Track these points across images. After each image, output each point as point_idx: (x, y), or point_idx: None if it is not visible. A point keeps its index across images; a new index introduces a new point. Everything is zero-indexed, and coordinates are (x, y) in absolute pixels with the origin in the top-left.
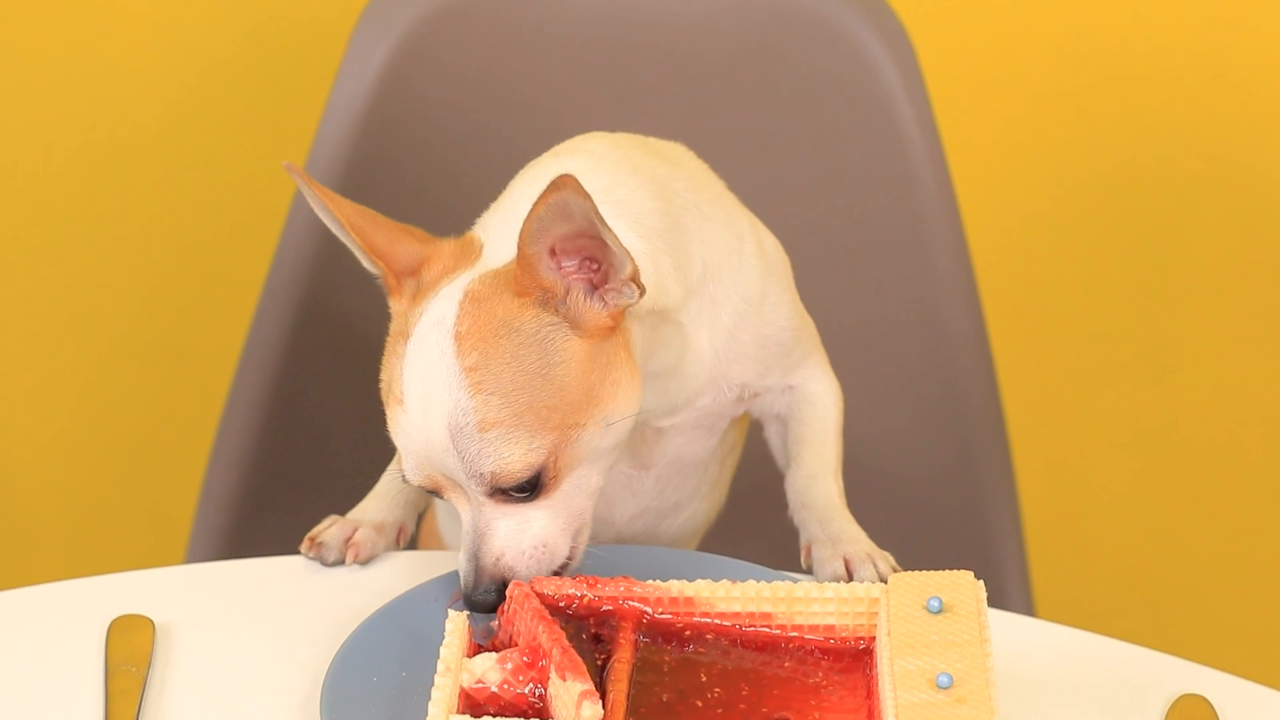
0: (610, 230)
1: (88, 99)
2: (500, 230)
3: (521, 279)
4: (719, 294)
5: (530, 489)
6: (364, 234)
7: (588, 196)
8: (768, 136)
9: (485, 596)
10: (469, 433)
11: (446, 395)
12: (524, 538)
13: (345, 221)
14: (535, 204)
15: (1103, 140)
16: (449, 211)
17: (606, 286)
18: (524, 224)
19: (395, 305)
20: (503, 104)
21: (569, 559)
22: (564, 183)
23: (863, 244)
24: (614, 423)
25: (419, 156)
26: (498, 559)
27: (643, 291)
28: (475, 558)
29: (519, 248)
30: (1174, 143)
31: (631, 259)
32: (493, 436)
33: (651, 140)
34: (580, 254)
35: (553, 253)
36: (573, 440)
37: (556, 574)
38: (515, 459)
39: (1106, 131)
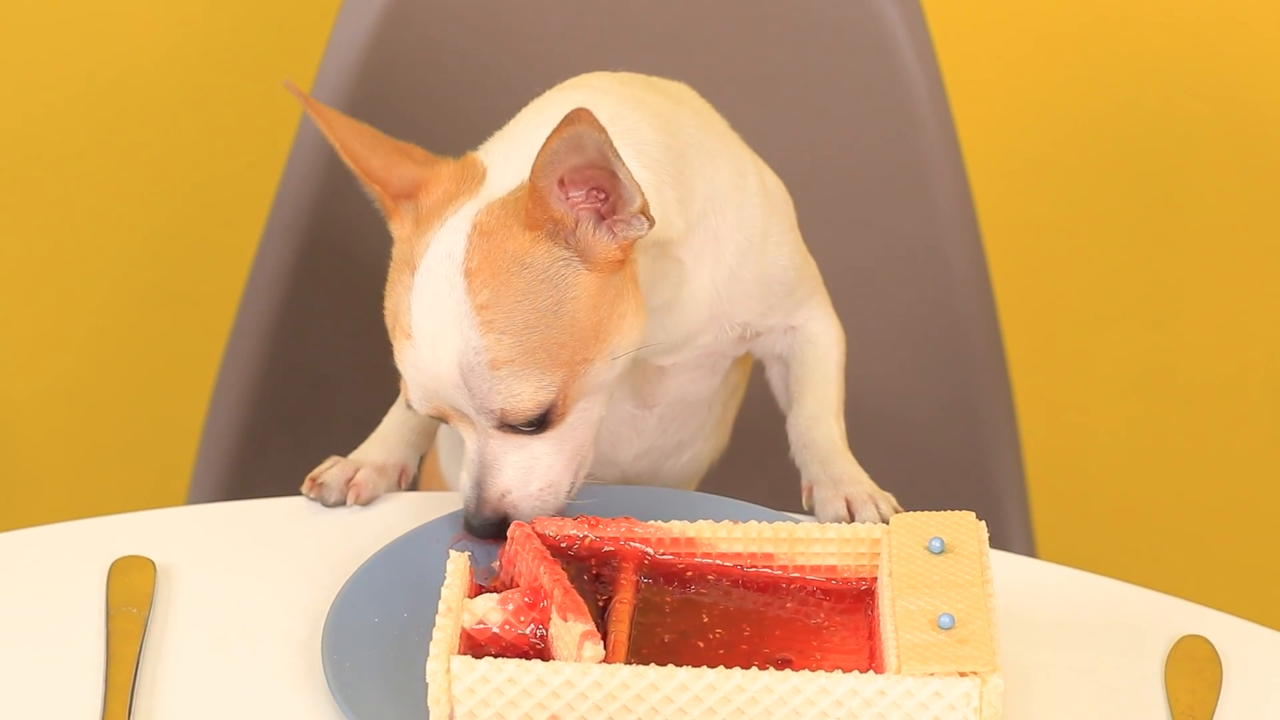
0: (623, 164)
1: (88, 38)
2: (505, 156)
3: (532, 211)
4: (722, 231)
5: (538, 424)
6: (358, 158)
7: (603, 130)
8: (769, 77)
9: (485, 527)
10: (480, 371)
11: (457, 333)
12: (531, 479)
13: (339, 144)
14: (549, 137)
15: (1105, 81)
16: (450, 151)
17: (615, 218)
18: (537, 157)
19: (396, 230)
20: (504, 44)
21: (570, 489)
22: (579, 116)
23: (864, 185)
24: (619, 356)
25: (420, 96)
26: (503, 495)
27: (652, 223)
28: (479, 487)
29: (531, 180)
30: (1176, 84)
31: (641, 192)
32: (504, 374)
33: (655, 79)
34: (588, 184)
35: (561, 183)
36: (581, 375)
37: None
38: (526, 396)
39: (1109, 72)
